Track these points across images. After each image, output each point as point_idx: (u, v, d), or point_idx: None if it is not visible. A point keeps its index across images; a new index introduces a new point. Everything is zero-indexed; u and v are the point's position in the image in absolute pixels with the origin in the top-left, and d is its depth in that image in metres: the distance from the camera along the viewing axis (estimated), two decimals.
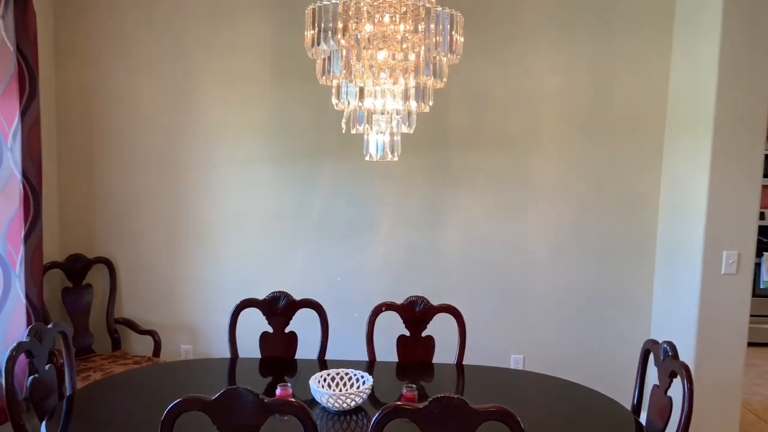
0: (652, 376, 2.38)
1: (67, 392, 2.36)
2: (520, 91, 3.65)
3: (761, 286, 5.48)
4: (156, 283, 3.80)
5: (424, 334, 2.81)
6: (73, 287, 3.64)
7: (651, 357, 2.70)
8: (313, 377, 2.30)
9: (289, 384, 2.26)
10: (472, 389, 2.54)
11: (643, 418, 2.71)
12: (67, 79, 3.70)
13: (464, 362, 3.73)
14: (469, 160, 3.70)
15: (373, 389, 2.40)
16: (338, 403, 2.16)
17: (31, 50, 3.15)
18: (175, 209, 3.75)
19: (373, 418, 1.66)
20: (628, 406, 3.14)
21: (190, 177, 3.74)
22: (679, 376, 2.05)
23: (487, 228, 3.74)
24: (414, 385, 2.31)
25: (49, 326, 2.27)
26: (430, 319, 2.81)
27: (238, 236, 3.75)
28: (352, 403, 2.18)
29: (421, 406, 1.65)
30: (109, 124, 3.72)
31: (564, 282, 3.74)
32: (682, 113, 3.43)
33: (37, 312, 3.19)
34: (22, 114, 3.10)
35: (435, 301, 3.70)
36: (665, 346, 2.16)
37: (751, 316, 5.52)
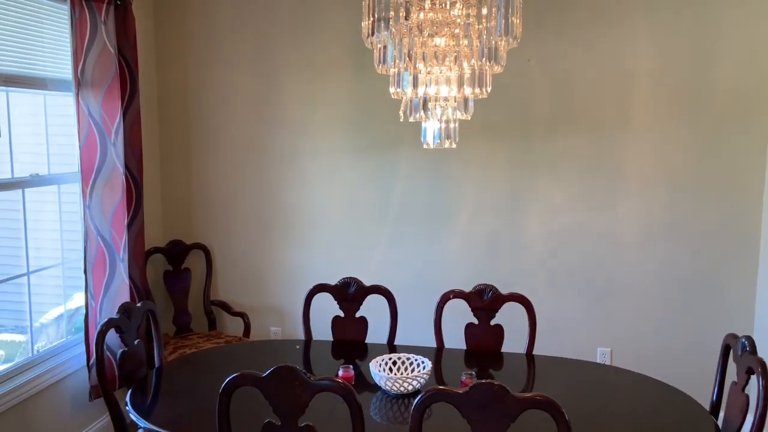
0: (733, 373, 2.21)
1: (156, 365, 2.59)
2: (609, 73, 3.48)
3: None
4: (247, 268, 4.03)
5: (492, 322, 2.78)
6: (174, 270, 3.96)
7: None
8: (374, 360, 2.36)
9: (351, 366, 2.34)
10: (541, 380, 2.49)
11: (721, 418, 2.53)
12: (167, 78, 4.00)
13: (548, 353, 3.67)
14: (554, 145, 3.59)
15: (435, 374, 2.42)
16: (396, 386, 2.21)
17: (131, 53, 3.43)
18: (265, 199, 3.96)
19: (415, 401, 1.69)
20: None
21: (278, 169, 3.92)
22: (755, 373, 1.90)
23: (572, 216, 3.62)
24: (473, 372, 2.31)
25: (138, 305, 2.49)
26: (499, 308, 2.78)
27: (323, 225, 3.89)
28: (410, 387, 2.22)
29: (461, 391, 1.66)
30: (205, 120, 3.99)
31: (656, 273, 3.54)
32: None
33: (140, 292, 3.51)
34: (124, 112, 3.39)
35: (516, 291, 3.65)
36: (744, 340, 2.01)
37: None
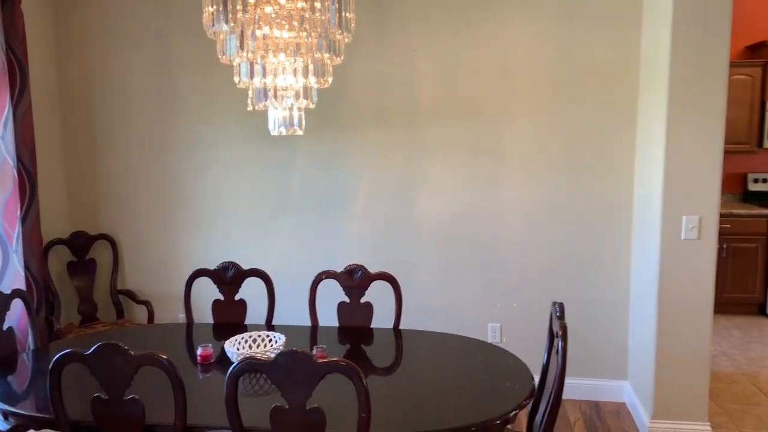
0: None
1: (30, 348, 2.67)
2: (490, 62, 3.64)
3: None
4: (153, 257, 4.12)
5: (362, 300, 2.93)
6: (78, 261, 4.02)
7: None
8: (230, 339, 2.48)
9: (209, 345, 2.46)
10: (408, 351, 2.65)
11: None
12: (68, 74, 4.04)
13: (441, 330, 3.85)
14: (443, 132, 3.74)
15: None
16: None
17: (21, 48, 3.48)
18: (169, 189, 4.04)
19: (228, 371, 1.82)
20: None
21: (182, 159, 4.00)
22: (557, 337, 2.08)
23: (462, 199, 3.78)
24: (324, 346, 2.45)
25: (7, 293, 2.57)
26: (368, 286, 2.92)
27: (226, 213, 3.99)
28: None
29: (267, 359, 1.79)
30: (108, 113, 4.05)
31: (541, 250, 3.73)
32: (649, 74, 3.32)
33: (38, 283, 3.57)
34: (14, 106, 3.44)
35: (413, 271, 3.83)
36: (556, 307, 2.18)
37: None
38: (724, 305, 5.41)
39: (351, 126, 3.82)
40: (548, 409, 2.06)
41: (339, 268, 3.86)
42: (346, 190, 3.87)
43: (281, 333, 2.78)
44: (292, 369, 1.78)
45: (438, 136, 3.74)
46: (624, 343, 3.68)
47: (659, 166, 3.12)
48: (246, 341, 2.53)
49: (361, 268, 2.93)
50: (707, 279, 3.09)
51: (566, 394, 3.73)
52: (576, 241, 3.68)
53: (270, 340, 2.53)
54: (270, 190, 3.94)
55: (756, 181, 5.65)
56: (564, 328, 2.06)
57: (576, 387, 3.74)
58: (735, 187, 5.77)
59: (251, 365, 1.81)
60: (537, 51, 3.59)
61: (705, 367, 3.13)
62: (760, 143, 5.41)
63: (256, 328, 2.92)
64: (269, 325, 2.96)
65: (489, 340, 3.82)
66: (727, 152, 5.51)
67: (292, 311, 3.96)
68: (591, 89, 3.56)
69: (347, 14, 2.26)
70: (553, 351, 2.23)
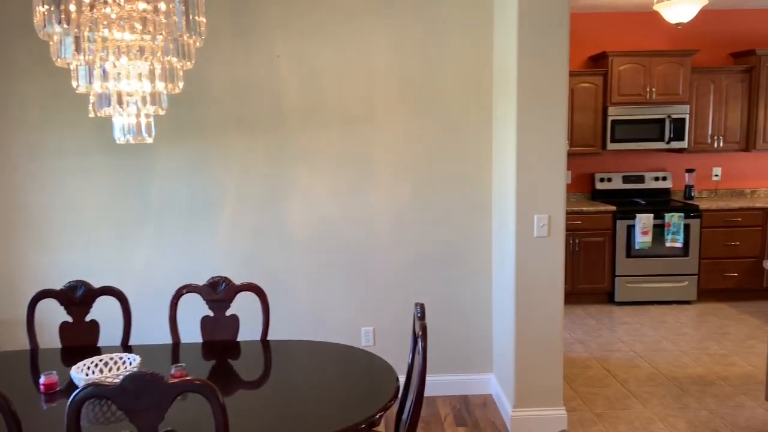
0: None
1: None
2: (354, 68, 3.67)
3: (635, 248, 5.70)
4: None
5: (228, 313, 2.83)
6: None
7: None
8: (77, 365, 2.30)
9: (54, 372, 2.26)
10: (276, 362, 2.59)
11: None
12: None
13: (316, 337, 3.82)
14: (310, 138, 3.72)
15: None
16: None
17: None
18: (9, 204, 3.67)
19: (69, 399, 1.67)
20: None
21: (22, 169, 3.65)
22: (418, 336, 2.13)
23: (331, 205, 3.78)
24: (183, 364, 2.34)
25: None
26: (233, 298, 2.84)
27: (78, 226, 3.70)
28: None
29: (112, 384, 1.67)
30: None
31: (408, 253, 3.81)
32: (501, 82, 3.52)
33: None
34: None
35: (285, 280, 3.77)
36: (417, 308, 2.23)
37: (625, 275, 5.75)
38: (578, 296, 5.86)
39: (214, 132, 3.70)
40: (412, 407, 2.11)
41: (205, 282, 3.72)
42: (210, 199, 3.73)
43: (138, 354, 2.62)
44: (140, 392, 1.67)
45: (305, 142, 3.72)
46: (489, 337, 3.86)
47: (512, 168, 3.31)
48: (96, 365, 2.35)
49: (225, 280, 2.83)
50: (557, 272, 3.32)
51: (437, 391, 3.84)
52: (441, 243, 3.81)
53: (124, 363, 2.37)
54: (128, 200, 3.71)
55: (602, 180, 6.17)
56: (424, 328, 2.12)
57: (446, 384, 3.86)
58: (584, 186, 6.27)
59: (95, 392, 1.68)
60: (398, 57, 3.68)
61: (558, 355, 3.35)
62: (603, 146, 5.92)
63: (111, 350, 2.73)
64: (125, 346, 2.78)
65: (363, 344, 3.85)
66: (576, 154, 5.98)
67: (156, 329, 3.75)
68: (450, 96, 3.71)
69: (196, 17, 2.17)
70: (417, 351, 2.28)
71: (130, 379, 1.67)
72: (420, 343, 2.09)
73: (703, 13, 5.96)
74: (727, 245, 5.72)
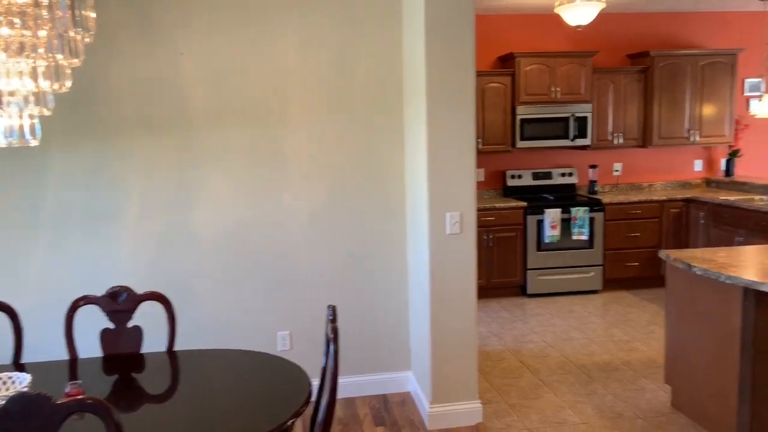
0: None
1: None
2: (265, 66, 3.59)
3: (545, 241, 5.91)
4: None
5: (130, 324, 2.69)
6: None
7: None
8: None
9: None
10: (184, 374, 2.48)
11: None
12: None
13: (230, 345, 3.70)
14: (219, 139, 3.60)
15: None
16: None
17: None
18: None
19: None
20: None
21: None
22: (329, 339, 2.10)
23: (243, 207, 3.67)
24: (80, 381, 2.20)
25: None
26: (135, 309, 2.70)
27: None
28: None
29: None
30: None
31: (325, 254, 3.77)
32: (411, 83, 3.54)
33: None
34: None
35: (196, 287, 3.63)
36: (329, 310, 2.20)
37: (536, 269, 5.95)
38: (493, 290, 6.01)
39: (115, 134, 3.51)
40: (326, 410, 2.07)
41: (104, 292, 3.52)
42: (112, 204, 3.54)
43: (31, 372, 2.44)
44: (27, 415, 1.55)
45: (215, 143, 3.60)
46: (406, 335, 3.89)
47: (423, 167, 3.34)
48: None
49: (126, 289, 2.69)
50: (470, 268, 3.38)
51: (356, 392, 3.83)
52: (358, 242, 3.79)
53: (14, 382, 2.20)
54: (18, 209, 3.45)
55: (513, 177, 6.37)
56: (335, 330, 2.09)
57: (365, 384, 3.86)
58: (496, 183, 6.44)
59: None
60: (310, 56, 3.63)
61: (473, 350, 3.42)
62: (513, 144, 6.10)
63: (1, 369, 2.52)
64: (17, 365, 2.59)
65: (279, 349, 3.77)
66: (488, 153, 6.14)
67: (55, 345, 3.51)
68: (363, 95, 3.70)
69: (84, 12, 2.04)
70: (328, 354, 2.25)
71: (14, 400, 1.55)
72: (332, 346, 2.06)
73: (602, 16, 6.26)
74: (629, 236, 6.05)
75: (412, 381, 3.85)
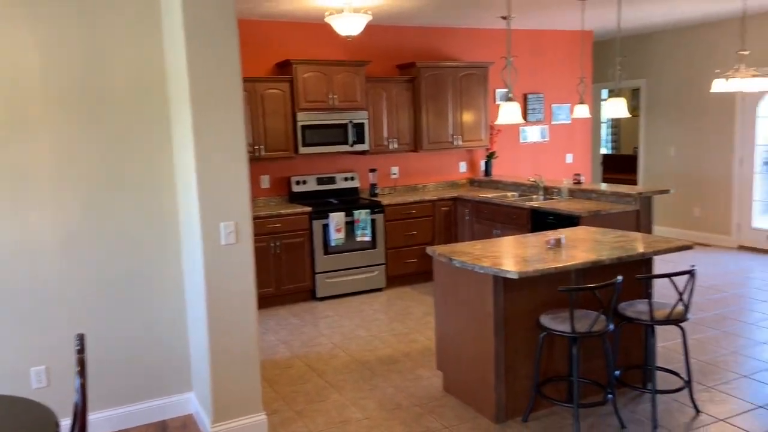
0: None
1: None
2: None
3: (331, 245, 6.04)
4: None
5: None
6: None
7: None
8: None
9: None
10: None
11: None
12: None
13: None
14: None
15: None
16: None
17: None
18: None
19: None
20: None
21: None
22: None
23: None
24: None
25: None
26: None
27: None
28: None
29: None
30: None
31: (87, 275, 3.41)
32: (175, 89, 3.37)
33: None
34: None
35: None
36: (77, 339, 1.99)
37: (324, 272, 6.07)
38: (283, 296, 6.00)
39: None
40: None
41: None
42: None
43: None
44: None
45: None
46: (186, 355, 3.69)
47: (193, 177, 3.19)
48: None
49: None
50: (248, 278, 3.31)
51: (134, 422, 3.54)
52: (125, 260, 3.50)
53: None
54: None
55: (298, 183, 6.42)
56: (81, 362, 1.89)
57: (144, 411, 3.58)
58: (281, 189, 6.44)
59: None
60: (53, 59, 3.25)
61: (254, 361, 3.35)
62: (296, 150, 6.15)
63: None
64: None
65: (33, 387, 3.33)
66: (271, 159, 6.11)
67: None
68: (122, 102, 3.42)
69: None
70: (76, 389, 2.03)
71: None
72: (78, 380, 1.85)
73: (372, 28, 6.60)
74: (407, 235, 6.46)
75: (193, 402, 3.67)
